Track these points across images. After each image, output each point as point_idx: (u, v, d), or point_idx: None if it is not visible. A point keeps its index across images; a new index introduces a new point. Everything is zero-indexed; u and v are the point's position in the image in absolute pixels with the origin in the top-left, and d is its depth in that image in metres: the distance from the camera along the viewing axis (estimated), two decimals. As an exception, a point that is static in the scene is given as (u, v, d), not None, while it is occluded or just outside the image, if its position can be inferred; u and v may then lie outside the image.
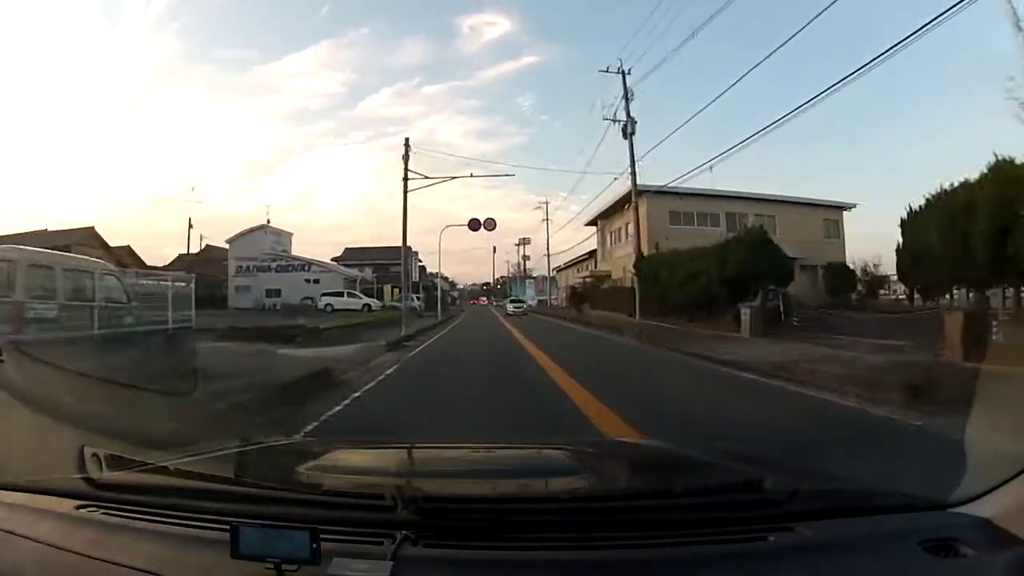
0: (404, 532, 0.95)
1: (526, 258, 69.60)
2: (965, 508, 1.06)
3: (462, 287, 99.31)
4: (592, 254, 41.08)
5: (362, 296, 35.84)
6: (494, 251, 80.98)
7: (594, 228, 38.68)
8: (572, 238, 74.92)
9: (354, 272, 43.86)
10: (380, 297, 40.11)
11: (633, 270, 23.24)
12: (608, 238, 36.05)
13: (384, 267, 47.80)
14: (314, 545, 0.85)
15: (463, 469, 1.63)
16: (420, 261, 55.71)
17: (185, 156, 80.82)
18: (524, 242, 65.46)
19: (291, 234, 45.60)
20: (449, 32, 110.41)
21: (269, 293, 37.78)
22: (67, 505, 1.13)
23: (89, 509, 1.12)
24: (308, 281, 38.60)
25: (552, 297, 60.45)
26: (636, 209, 23.67)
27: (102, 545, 0.99)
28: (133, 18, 69.36)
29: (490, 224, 22.04)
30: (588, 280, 40.03)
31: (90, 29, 67.99)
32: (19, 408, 2.98)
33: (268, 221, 43.31)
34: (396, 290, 40.65)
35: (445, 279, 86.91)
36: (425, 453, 1.86)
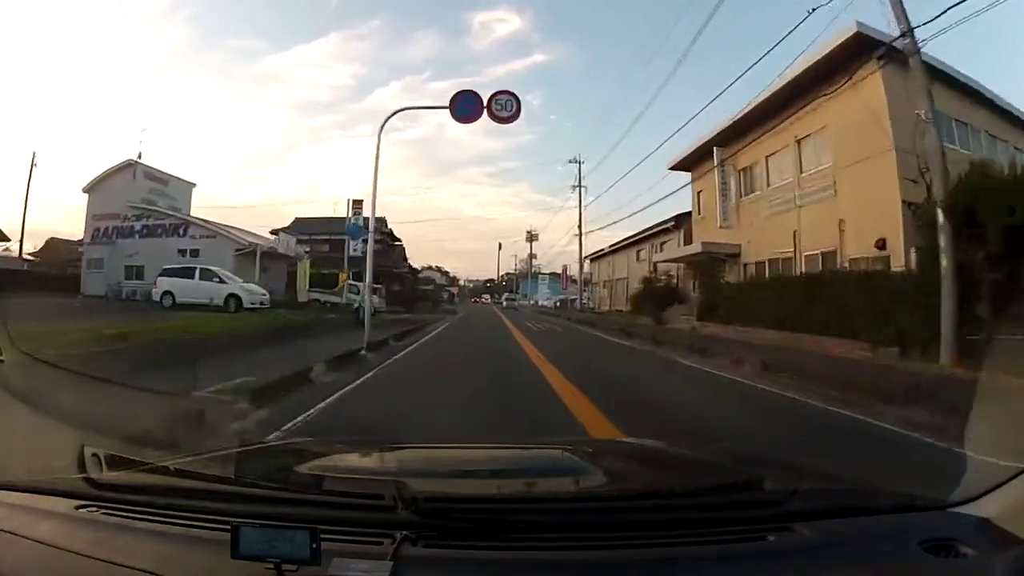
0: (404, 532, 0.95)
1: (533, 256, 64.74)
2: (965, 508, 1.06)
3: (463, 282, 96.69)
4: (679, 222, 24.92)
5: (231, 279, 19.07)
6: (499, 247, 78.94)
7: (682, 178, 23.37)
8: (572, 239, 71.51)
9: (251, 240, 25.30)
10: (290, 285, 25.28)
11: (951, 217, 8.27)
12: (734, 183, 19.71)
13: (341, 243, 33.54)
14: (314, 545, 0.85)
15: (463, 469, 1.64)
16: (398, 240, 43.05)
17: (189, 145, 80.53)
18: (532, 237, 61.70)
19: (192, 185, 28.50)
20: (459, 28, 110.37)
21: (129, 272, 24.02)
22: (67, 505, 1.13)
23: (89, 509, 1.12)
24: (182, 252, 23.43)
25: (585, 297, 41.30)
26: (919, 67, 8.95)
27: (102, 545, 0.99)
28: (141, 4, 68.53)
29: (505, 108, 9.93)
30: (677, 266, 23.56)
31: (94, 16, 67.57)
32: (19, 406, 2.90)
33: (140, 155, 26.07)
34: (344, 275, 27.38)
35: (444, 273, 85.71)
36: (425, 453, 1.87)
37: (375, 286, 29.49)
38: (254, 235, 26.98)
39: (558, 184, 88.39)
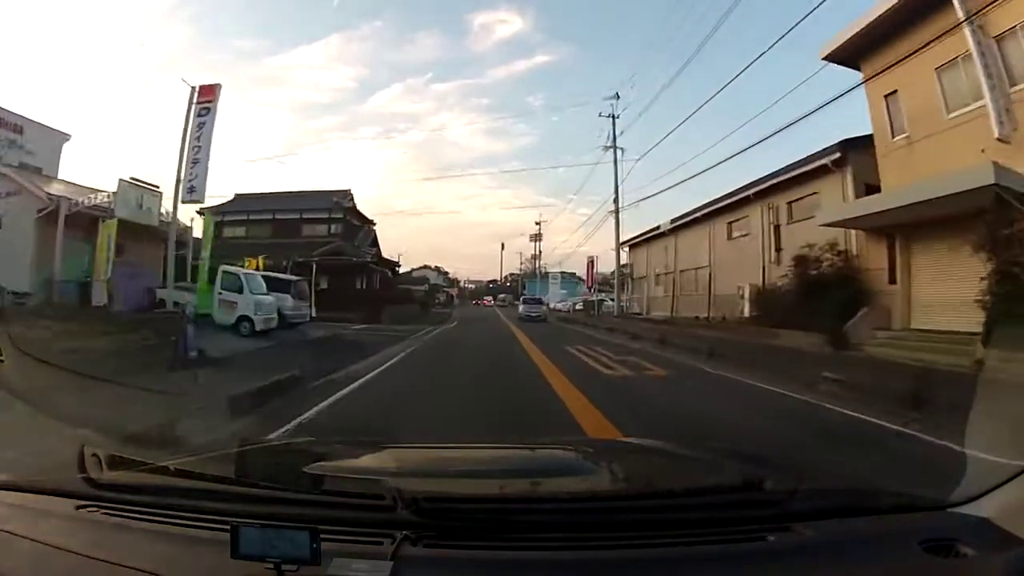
0: (404, 532, 0.95)
1: (536, 256, 61.81)
2: (965, 508, 1.06)
3: (464, 283, 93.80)
4: (846, 155, 13.98)
5: None
6: (502, 247, 77.39)
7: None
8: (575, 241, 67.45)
9: (61, 194, 15.10)
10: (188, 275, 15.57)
11: None
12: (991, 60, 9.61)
13: (291, 225, 28.64)
14: (314, 545, 0.85)
15: (463, 469, 1.63)
16: (370, 222, 33.21)
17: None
18: (537, 237, 59.43)
19: (65, 136, 20.18)
20: (461, 29, 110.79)
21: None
22: (67, 505, 1.13)
23: (89, 509, 1.12)
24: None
25: (626, 299, 30.60)
26: None
27: (102, 545, 0.99)
28: (142, 4, 67.70)
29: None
30: (845, 235, 13.49)
31: (97, 15, 67.22)
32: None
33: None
34: (253, 262, 19.21)
35: (444, 274, 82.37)
36: (425, 453, 1.87)
37: (290, 278, 16.43)
38: (79, 188, 16.65)
39: (560, 186, 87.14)
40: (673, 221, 25.18)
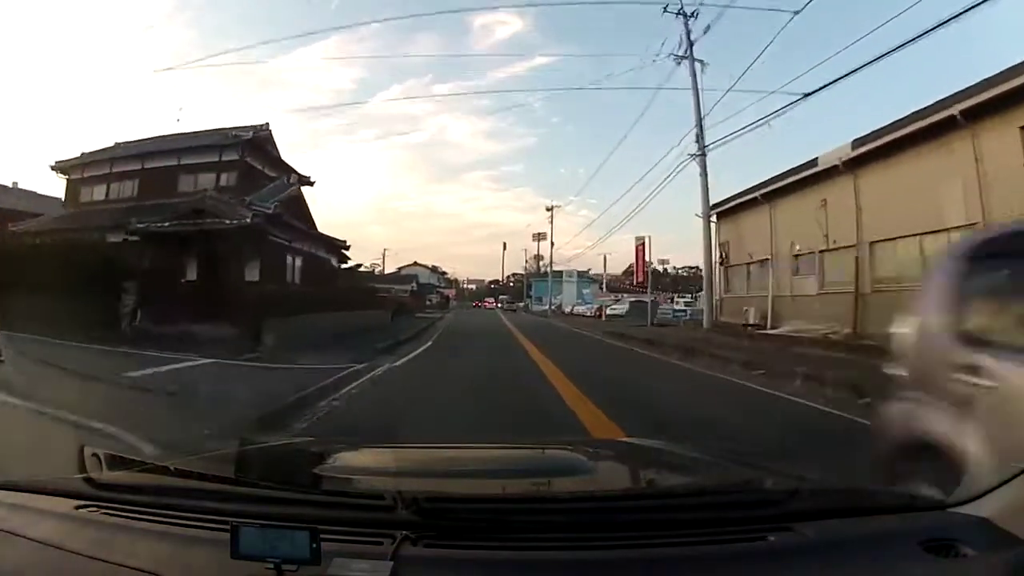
0: (404, 532, 0.95)
1: (537, 257, 59.14)
2: (965, 508, 1.06)
3: (464, 283, 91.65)
4: None
5: None
6: (504, 247, 75.66)
7: None
8: (578, 243, 64.18)
9: None
10: None
11: None
12: None
13: (165, 177, 18.04)
14: (314, 545, 0.85)
15: (463, 469, 1.64)
16: (299, 176, 21.39)
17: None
18: (540, 237, 55.61)
19: None
20: (460, 30, 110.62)
21: None
22: (67, 505, 1.13)
23: (89, 509, 1.12)
24: None
25: (721, 296, 19.99)
26: None
27: (102, 545, 0.99)
28: (141, 6, 67.58)
29: None
30: None
31: (97, 18, 67.13)
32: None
33: None
34: None
35: (441, 274, 78.20)
36: (425, 453, 1.87)
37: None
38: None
39: (562, 187, 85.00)
40: (856, 144, 13.33)
